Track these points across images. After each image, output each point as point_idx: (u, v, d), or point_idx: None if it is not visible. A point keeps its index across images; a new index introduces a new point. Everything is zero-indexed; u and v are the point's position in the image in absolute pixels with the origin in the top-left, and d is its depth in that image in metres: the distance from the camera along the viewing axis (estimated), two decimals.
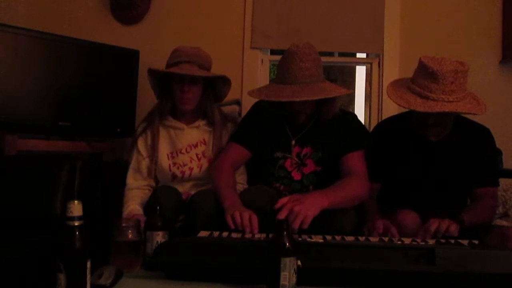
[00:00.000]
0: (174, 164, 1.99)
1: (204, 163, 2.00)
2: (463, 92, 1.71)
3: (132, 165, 2.01)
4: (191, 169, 1.99)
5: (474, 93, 1.79)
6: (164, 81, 1.98)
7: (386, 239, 1.53)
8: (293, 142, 1.94)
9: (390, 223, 1.67)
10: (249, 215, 1.54)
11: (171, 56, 1.98)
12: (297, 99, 1.75)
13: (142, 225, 1.53)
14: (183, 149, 2.01)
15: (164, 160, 2.00)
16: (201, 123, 2.04)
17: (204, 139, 2.02)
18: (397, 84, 1.86)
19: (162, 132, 2.02)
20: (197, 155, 2.00)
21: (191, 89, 1.93)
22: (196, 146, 2.01)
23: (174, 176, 2.00)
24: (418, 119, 1.81)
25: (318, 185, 1.85)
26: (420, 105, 1.69)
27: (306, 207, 1.50)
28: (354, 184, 1.74)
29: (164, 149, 2.01)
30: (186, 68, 1.90)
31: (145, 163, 2.00)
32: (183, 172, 1.99)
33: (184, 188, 1.99)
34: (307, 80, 1.78)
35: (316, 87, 1.79)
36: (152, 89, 2.04)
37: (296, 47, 1.81)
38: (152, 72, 1.97)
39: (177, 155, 2.00)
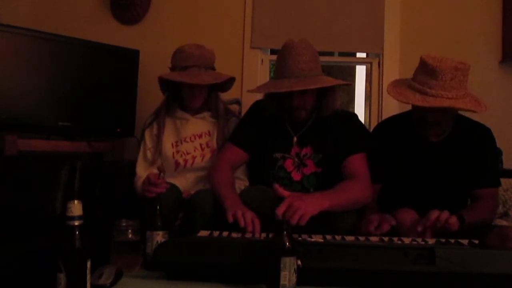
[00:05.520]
0: (178, 152, 2.04)
1: (207, 154, 2.03)
2: (463, 91, 1.71)
3: (140, 155, 2.08)
4: (194, 157, 2.03)
5: (474, 94, 1.79)
6: (174, 82, 2.01)
7: (386, 239, 1.53)
8: (295, 139, 1.93)
9: (385, 215, 1.67)
10: (252, 216, 1.54)
11: (177, 57, 2.02)
12: (295, 89, 1.74)
13: (163, 181, 1.69)
14: (187, 138, 2.06)
15: (168, 148, 2.05)
16: (206, 114, 2.09)
17: (208, 131, 2.07)
18: (398, 82, 1.86)
19: (168, 122, 2.09)
20: (201, 145, 2.05)
21: (200, 91, 2.02)
22: (200, 136, 2.06)
23: (177, 164, 2.03)
24: (418, 118, 1.81)
25: (319, 187, 1.84)
26: (418, 100, 1.69)
27: (306, 204, 1.49)
28: (357, 188, 1.73)
29: (169, 138, 2.07)
30: (195, 73, 1.96)
31: (150, 153, 2.06)
32: (185, 161, 2.03)
33: (187, 181, 2.01)
34: (305, 73, 1.78)
35: (314, 79, 1.79)
36: (160, 90, 2.08)
37: (292, 42, 1.81)
38: (163, 80, 2.02)
39: (181, 143, 2.05)
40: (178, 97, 2.08)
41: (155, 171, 1.97)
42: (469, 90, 1.75)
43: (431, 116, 1.75)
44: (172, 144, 2.06)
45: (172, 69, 2.03)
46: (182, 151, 2.04)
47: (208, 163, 2.01)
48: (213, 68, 2.07)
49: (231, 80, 2.10)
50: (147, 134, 2.08)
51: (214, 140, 2.05)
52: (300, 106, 1.84)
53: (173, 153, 2.04)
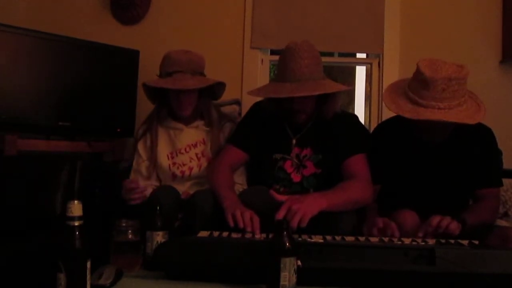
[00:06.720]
0: (174, 164, 2.02)
1: (204, 162, 2.02)
2: (457, 100, 1.67)
3: (133, 167, 2.05)
4: (190, 168, 2.01)
5: (476, 95, 1.76)
6: (160, 89, 1.98)
7: (386, 239, 1.53)
8: (294, 141, 1.93)
9: (389, 220, 1.66)
10: (250, 215, 1.54)
11: (163, 63, 2.00)
12: (296, 95, 1.74)
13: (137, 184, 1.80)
14: (183, 149, 2.03)
15: (164, 160, 2.03)
16: (199, 123, 2.06)
17: (203, 139, 2.05)
18: (395, 86, 1.85)
19: (162, 133, 2.06)
20: (196, 154, 2.03)
21: (187, 97, 1.96)
22: (195, 146, 2.04)
23: (174, 176, 2.02)
24: (413, 123, 1.80)
25: (318, 188, 1.84)
26: (408, 111, 1.68)
27: (305, 206, 1.49)
28: (357, 187, 1.73)
29: (164, 149, 2.04)
30: (179, 78, 1.92)
31: (144, 165, 2.03)
32: (183, 172, 2.01)
33: (185, 187, 2.00)
34: (306, 77, 1.76)
35: (315, 83, 1.78)
36: (148, 98, 2.07)
37: (295, 44, 1.80)
38: (148, 87, 2.00)
39: (177, 155, 2.03)
40: (166, 105, 2.03)
41: (154, 182, 2.00)
42: (467, 96, 1.70)
43: (424, 124, 1.73)
44: (168, 156, 2.03)
45: (159, 75, 2.00)
46: (178, 163, 2.02)
47: (205, 172, 1.99)
48: (202, 74, 2.02)
49: (221, 85, 2.06)
50: (140, 146, 2.05)
51: (209, 148, 2.03)
52: (300, 110, 1.84)
53: (169, 165, 2.02)
